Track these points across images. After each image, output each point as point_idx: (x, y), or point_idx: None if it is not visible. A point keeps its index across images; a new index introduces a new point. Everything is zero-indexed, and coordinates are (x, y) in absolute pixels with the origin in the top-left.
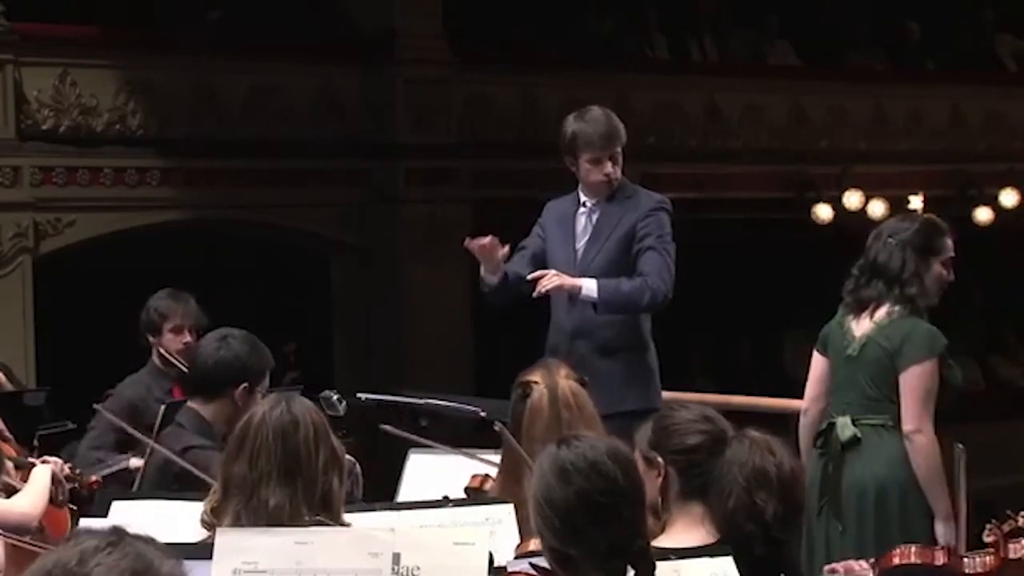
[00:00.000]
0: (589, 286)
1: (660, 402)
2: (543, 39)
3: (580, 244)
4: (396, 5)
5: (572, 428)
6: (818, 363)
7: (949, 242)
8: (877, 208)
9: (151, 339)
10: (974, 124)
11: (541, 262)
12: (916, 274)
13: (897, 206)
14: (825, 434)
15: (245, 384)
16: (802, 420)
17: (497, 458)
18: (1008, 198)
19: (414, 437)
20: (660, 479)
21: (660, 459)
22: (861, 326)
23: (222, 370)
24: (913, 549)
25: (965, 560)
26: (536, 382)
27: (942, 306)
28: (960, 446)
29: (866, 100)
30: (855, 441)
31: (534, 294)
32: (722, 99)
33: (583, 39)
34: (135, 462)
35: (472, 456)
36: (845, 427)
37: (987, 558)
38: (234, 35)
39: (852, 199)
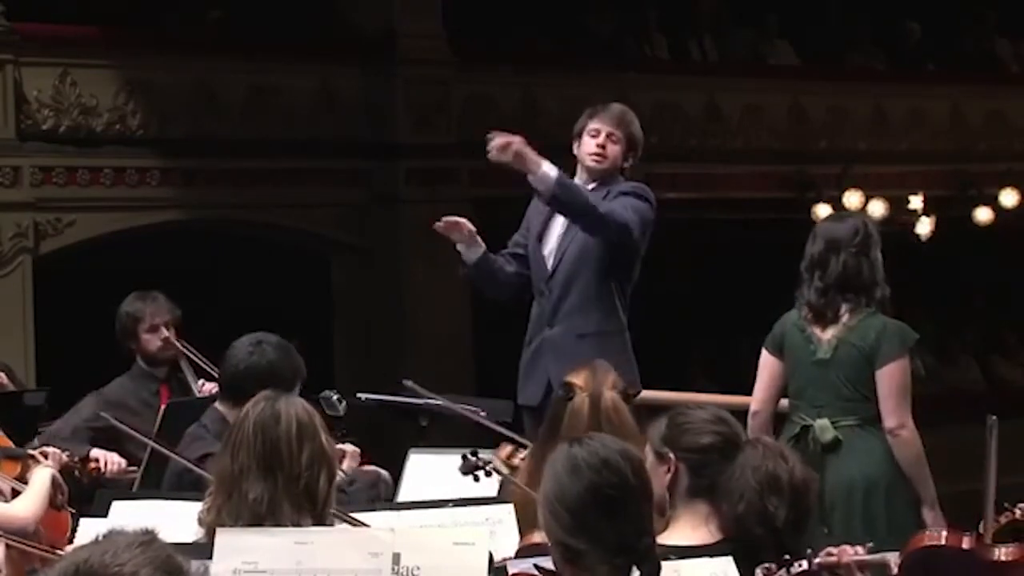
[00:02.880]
0: (548, 169)
1: (638, 385)
2: (543, 39)
3: (559, 232)
4: (396, 5)
5: None
6: (771, 364)
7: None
8: (877, 208)
9: (131, 345)
10: (974, 124)
11: (524, 254)
12: (882, 275)
13: (897, 206)
14: (799, 438)
15: None
16: (751, 423)
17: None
18: (1008, 198)
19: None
20: (669, 475)
21: (672, 455)
22: (828, 329)
23: (252, 376)
24: (938, 533)
25: (994, 548)
26: (580, 388)
27: (943, 306)
28: (993, 417)
29: (866, 100)
30: (836, 443)
31: (489, 153)
32: (722, 99)
33: (583, 39)
34: (95, 452)
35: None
36: (825, 430)
37: (1013, 547)
38: (234, 35)
39: (852, 199)
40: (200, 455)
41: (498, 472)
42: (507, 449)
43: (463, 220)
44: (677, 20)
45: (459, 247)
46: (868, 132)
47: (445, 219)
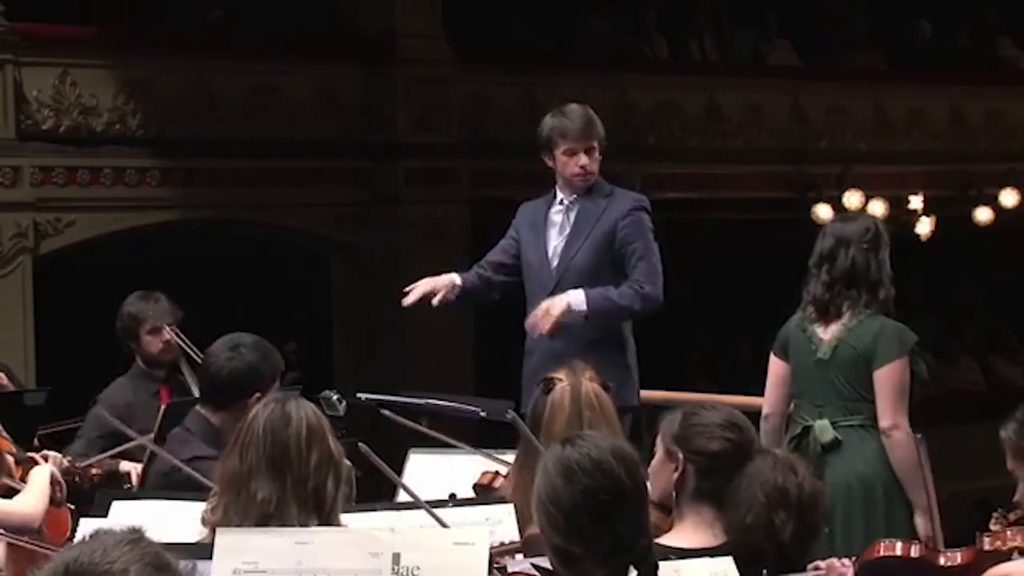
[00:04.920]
0: (576, 299)
1: (636, 400)
2: (543, 39)
3: (558, 242)
4: (396, 5)
5: (593, 428)
6: (779, 367)
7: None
8: (877, 208)
9: (131, 345)
10: (974, 124)
11: (513, 265)
12: (889, 276)
13: (897, 206)
14: (800, 438)
15: (258, 393)
16: (764, 426)
17: (499, 458)
18: (1008, 198)
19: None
20: (677, 474)
21: (681, 455)
22: (829, 329)
23: (235, 381)
24: (889, 543)
25: (941, 555)
26: (560, 379)
27: (943, 306)
28: (919, 435)
29: (866, 100)
30: (836, 443)
31: (535, 336)
32: (722, 99)
33: (583, 39)
34: (125, 465)
35: (474, 454)
36: (825, 430)
37: (962, 551)
38: (234, 35)
39: (852, 199)
40: (189, 456)
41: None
42: (488, 476)
43: (426, 287)
44: (677, 20)
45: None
46: (868, 132)
47: (412, 294)
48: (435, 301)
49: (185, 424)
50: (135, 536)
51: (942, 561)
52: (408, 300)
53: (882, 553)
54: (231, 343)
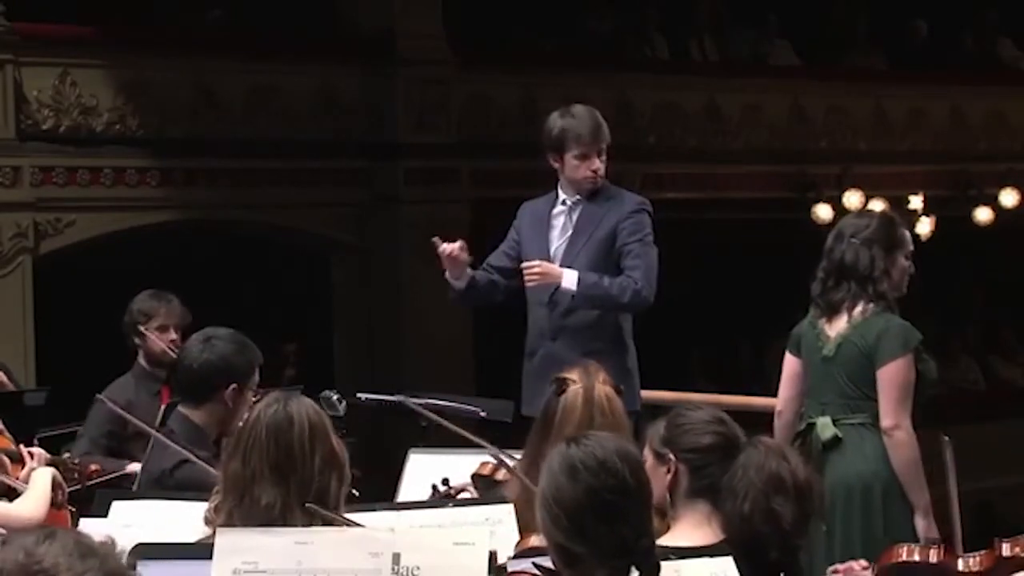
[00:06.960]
0: (569, 278)
1: (638, 404)
2: (543, 39)
3: (560, 242)
4: (396, 5)
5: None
6: (791, 364)
7: (908, 235)
8: (877, 208)
9: (136, 341)
10: (974, 124)
11: (514, 266)
12: (885, 271)
13: (897, 206)
14: (804, 435)
15: (234, 385)
16: (777, 422)
17: (514, 456)
18: (1008, 198)
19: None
20: (670, 476)
21: (672, 456)
22: (835, 326)
23: (207, 373)
24: (908, 548)
25: (959, 559)
26: (573, 381)
27: (943, 306)
28: (946, 438)
29: (866, 100)
30: (836, 441)
31: (528, 285)
32: (722, 99)
33: (583, 39)
34: (133, 467)
35: (473, 454)
36: (826, 427)
37: (980, 556)
38: (234, 35)
39: (852, 199)
40: (176, 462)
41: (475, 490)
42: (489, 466)
43: (461, 253)
44: (677, 20)
45: (448, 273)
46: (868, 132)
47: (447, 246)
48: (452, 272)
49: (168, 425)
50: (49, 532)
51: (961, 566)
52: (440, 248)
53: (902, 558)
54: (203, 336)
